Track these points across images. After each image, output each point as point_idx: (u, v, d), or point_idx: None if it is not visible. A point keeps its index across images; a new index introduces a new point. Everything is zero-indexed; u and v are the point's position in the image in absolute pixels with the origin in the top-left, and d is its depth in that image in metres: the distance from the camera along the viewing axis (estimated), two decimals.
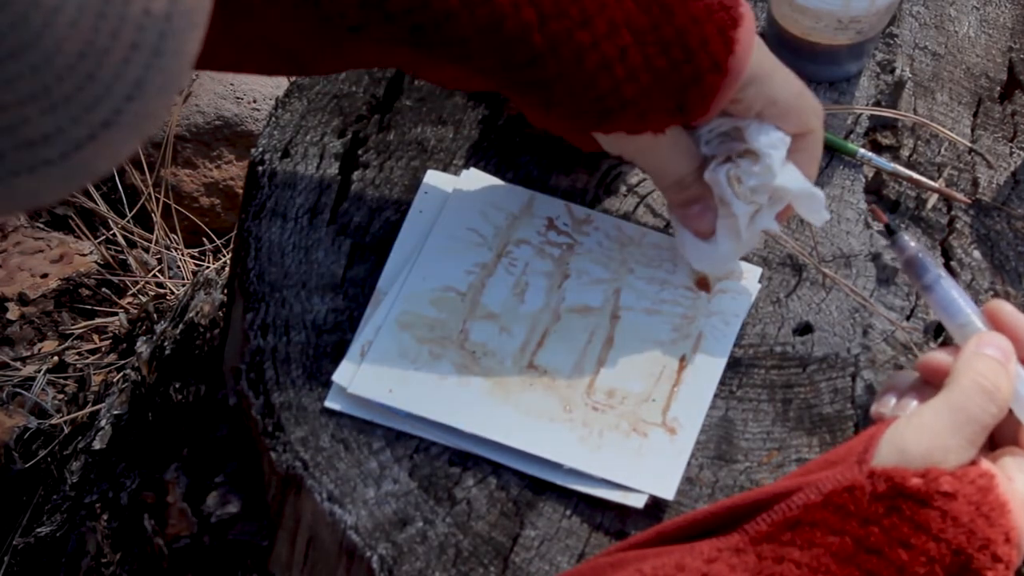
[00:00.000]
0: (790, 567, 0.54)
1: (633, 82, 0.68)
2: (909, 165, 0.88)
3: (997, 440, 0.63)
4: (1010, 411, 0.62)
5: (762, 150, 0.72)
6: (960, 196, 0.86)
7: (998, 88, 0.94)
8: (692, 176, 0.73)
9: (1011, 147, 0.90)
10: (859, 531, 0.55)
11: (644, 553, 0.59)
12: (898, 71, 0.94)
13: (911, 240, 0.71)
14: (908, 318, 0.80)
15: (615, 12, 0.66)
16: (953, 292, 0.66)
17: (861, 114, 0.91)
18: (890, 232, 0.71)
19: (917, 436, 0.58)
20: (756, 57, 0.70)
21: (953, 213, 0.86)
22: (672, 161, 0.73)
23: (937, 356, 0.65)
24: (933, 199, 0.86)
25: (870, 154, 0.87)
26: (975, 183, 0.88)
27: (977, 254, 0.84)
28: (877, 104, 0.91)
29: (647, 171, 0.78)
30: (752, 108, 0.72)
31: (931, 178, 0.87)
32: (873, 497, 0.56)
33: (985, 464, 0.59)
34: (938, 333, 0.79)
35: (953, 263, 0.83)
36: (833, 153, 0.88)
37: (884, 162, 0.87)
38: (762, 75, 0.71)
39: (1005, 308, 0.66)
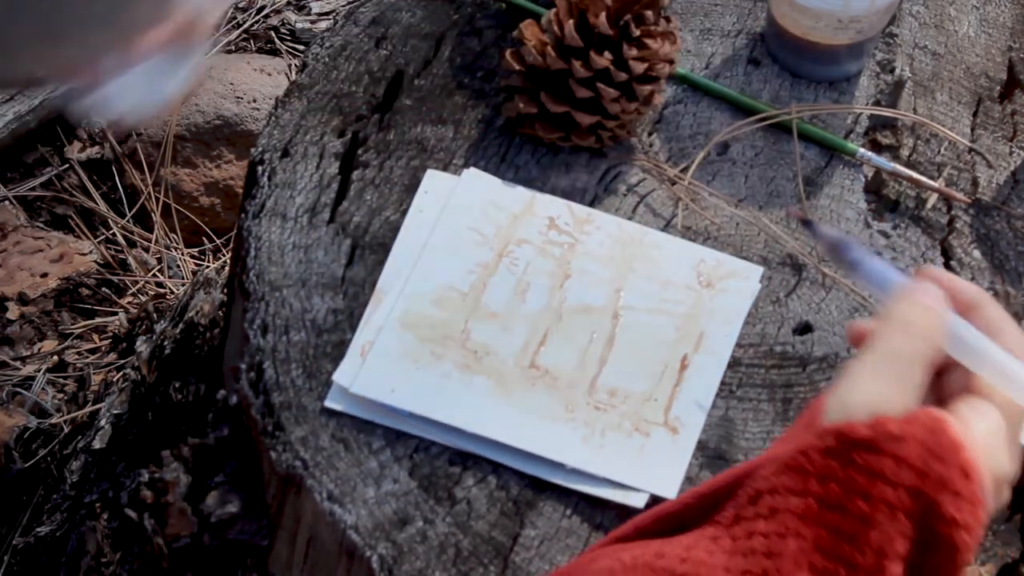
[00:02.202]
0: (759, 539, 0.54)
1: None
2: (909, 165, 0.88)
3: (949, 393, 0.63)
4: (961, 366, 0.62)
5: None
6: (960, 196, 0.86)
7: (998, 88, 0.94)
8: None
9: (1011, 147, 0.90)
10: (819, 489, 0.55)
11: (623, 546, 0.59)
12: (898, 71, 0.94)
13: (828, 228, 0.70)
14: None
15: None
16: (880, 264, 0.65)
17: (861, 114, 0.91)
18: (807, 224, 0.71)
19: (854, 389, 0.58)
20: None
21: (953, 213, 0.86)
22: None
23: (861, 322, 0.65)
24: (933, 199, 0.86)
25: (870, 154, 0.87)
26: (975, 183, 0.88)
27: (977, 254, 0.84)
28: (877, 104, 0.92)
29: None
30: None
31: (931, 178, 0.87)
32: (826, 454, 0.56)
33: (934, 410, 0.59)
34: None
35: (953, 263, 0.83)
36: (833, 153, 0.88)
37: (884, 162, 0.87)
38: None
39: (936, 271, 0.66)
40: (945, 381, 0.62)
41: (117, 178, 1.59)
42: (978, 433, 0.58)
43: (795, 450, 0.57)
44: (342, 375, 0.72)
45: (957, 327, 0.61)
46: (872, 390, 0.58)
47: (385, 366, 0.73)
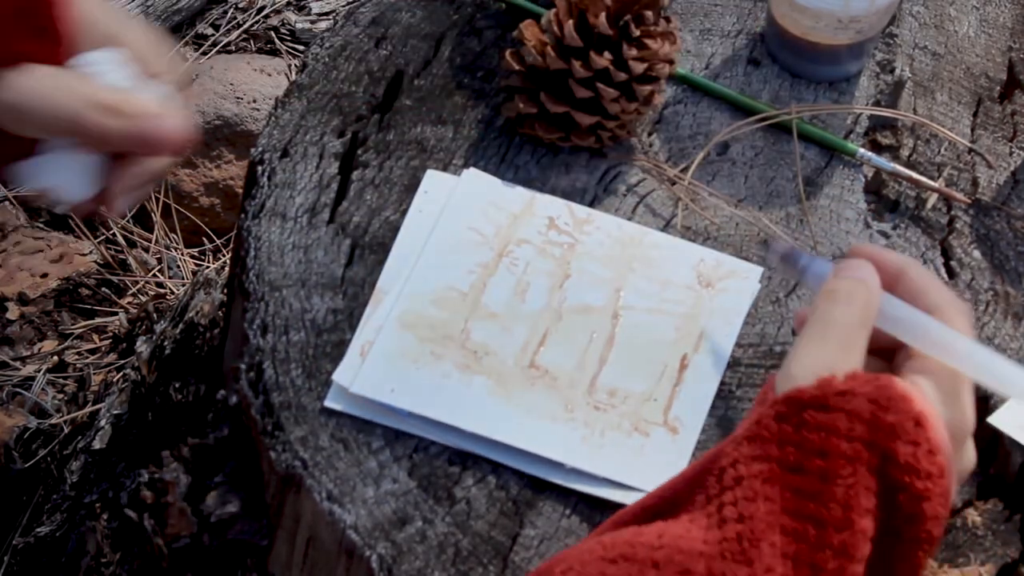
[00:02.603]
0: (729, 509, 0.55)
1: None
2: (909, 165, 0.88)
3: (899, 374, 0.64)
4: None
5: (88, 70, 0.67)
6: (960, 196, 0.86)
7: (998, 88, 0.94)
8: (120, 95, 0.66)
9: (1011, 147, 0.90)
10: (777, 453, 0.56)
11: (605, 533, 0.60)
12: (898, 71, 0.94)
13: (781, 243, 0.72)
14: None
15: None
16: (826, 265, 0.67)
17: (861, 114, 0.91)
18: (766, 244, 0.73)
19: (797, 362, 0.60)
20: None
21: (953, 213, 0.86)
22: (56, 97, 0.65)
23: (805, 308, 0.66)
24: (933, 199, 0.86)
25: (870, 154, 0.87)
26: (975, 183, 0.88)
27: (977, 254, 0.84)
28: (877, 104, 0.91)
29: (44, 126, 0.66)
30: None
31: (931, 178, 0.87)
32: (778, 419, 0.57)
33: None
34: None
35: (953, 263, 0.83)
36: (833, 153, 0.88)
37: (884, 162, 0.87)
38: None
39: (864, 246, 0.67)
40: (894, 364, 0.63)
41: None
42: (927, 389, 0.59)
43: (750, 423, 0.58)
44: (342, 375, 0.72)
45: (883, 301, 0.63)
46: (815, 357, 0.59)
47: (385, 366, 0.73)
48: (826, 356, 0.59)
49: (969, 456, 0.61)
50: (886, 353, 0.63)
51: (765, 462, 0.56)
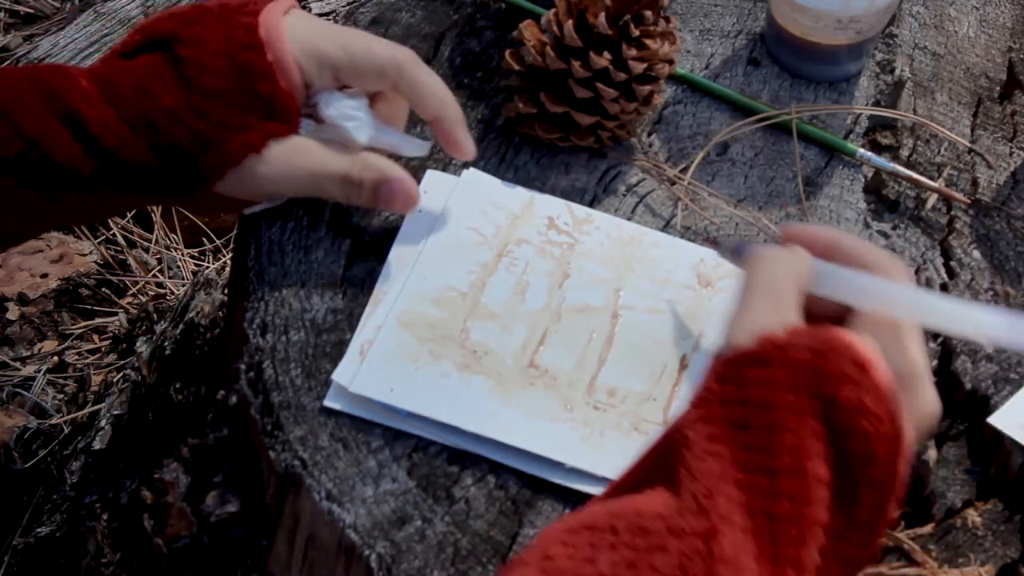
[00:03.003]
0: (683, 472, 0.56)
1: (202, 119, 0.72)
2: (909, 165, 0.88)
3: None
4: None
5: (337, 123, 0.76)
6: (959, 196, 0.86)
7: (998, 88, 0.94)
8: (354, 167, 0.75)
9: (1011, 147, 0.90)
10: (723, 412, 0.57)
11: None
12: (898, 71, 0.94)
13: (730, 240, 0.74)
14: None
15: None
16: (762, 248, 0.68)
17: (861, 114, 0.91)
18: (715, 244, 0.75)
19: (733, 328, 0.61)
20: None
21: (953, 213, 0.86)
22: (312, 166, 0.75)
23: None
24: (933, 199, 0.86)
25: (869, 154, 0.87)
26: (975, 183, 0.88)
27: (977, 254, 0.84)
28: (877, 104, 0.92)
29: (308, 192, 0.77)
30: (321, 80, 0.76)
31: (931, 178, 0.87)
32: (721, 381, 0.58)
33: None
34: (937, 334, 0.79)
35: (953, 263, 0.83)
36: (833, 153, 0.88)
37: (884, 162, 0.87)
38: (312, 47, 0.75)
39: (795, 227, 0.69)
40: None
41: None
42: (871, 340, 0.60)
43: (695, 391, 0.59)
44: (341, 374, 0.72)
45: (819, 268, 0.64)
46: (749, 318, 0.61)
47: (384, 366, 0.73)
48: (759, 315, 0.61)
49: (927, 401, 0.61)
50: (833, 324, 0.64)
51: (712, 423, 0.57)
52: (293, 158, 0.74)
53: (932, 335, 0.79)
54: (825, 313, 0.64)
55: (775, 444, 0.55)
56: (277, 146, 0.74)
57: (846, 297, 0.63)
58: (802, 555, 0.54)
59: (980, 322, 0.59)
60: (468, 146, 0.78)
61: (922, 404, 0.61)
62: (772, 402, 0.56)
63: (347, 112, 0.76)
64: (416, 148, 0.79)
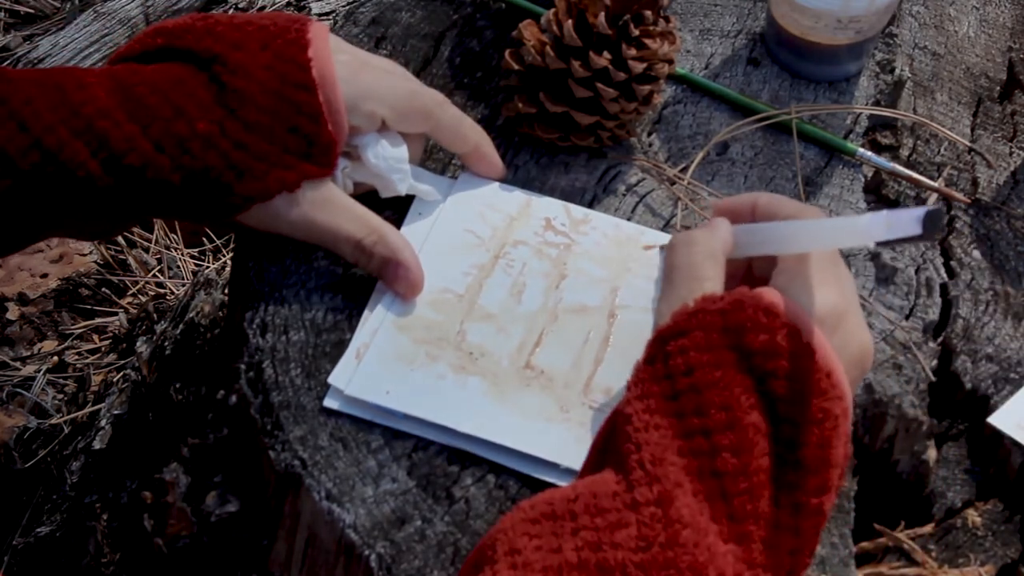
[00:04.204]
0: (628, 447, 0.57)
1: (240, 149, 0.72)
2: (909, 165, 0.88)
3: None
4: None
5: (384, 174, 0.78)
6: (959, 196, 0.86)
7: (998, 88, 0.94)
8: (369, 238, 0.75)
9: (1011, 147, 0.90)
10: (656, 389, 0.59)
11: None
12: (898, 71, 0.94)
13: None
14: (907, 317, 0.80)
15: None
16: (678, 235, 0.70)
17: (861, 114, 0.91)
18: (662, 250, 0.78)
19: (658, 317, 0.64)
20: (343, 75, 0.75)
21: (953, 213, 0.86)
22: (340, 221, 0.75)
23: None
24: (933, 199, 0.86)
25: (869, 154, 0.87)
26: (975, 183, 0.88)
27: (977, 254, 0.84)
28: (877, 104, 0.92)
29: (323, 242, 0.77)
30: (369, 127, 0.77)
31: (931, 178, 0.87)
32: (649, 361, 0.61)
33: None
34: (937, 333, 0.79)
35: (953, 263, 0.83)
36: (833, 152, 0.88)
37: (884, 162, 0.87)
38: (363, 91, 0.76)
39: (722, 200, 0.71)
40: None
41: None
42: (783, 283, 0.62)
43: (632, 375, 0.61)
44: (337, 377, 0.72)
45: (739, 232, 0.66)
46: (668, 301, 0.63)
47: (380, 368, 0.73)
48: (676, 297, 0.63)
49: (853, 334, 0.63)
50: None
51: (646, 399, 0.59)
52: (317, 210, 0.74)
53: (932, 334, 0.79)
54: (761, 271, 0.66)
55: (704, 403, 0.57)
56: (310, 191, 0.74)
57: (759, 250, 0.66)
58: (759, 507, 0.56)
59: (861, 227, 0.59)
60: (501, 163, 0.82)
61: (849, 338, 0.62)
62: (692, 364, 0.58)
63: (393, 165, 0.77)
64: (437, 194, 0.81)
